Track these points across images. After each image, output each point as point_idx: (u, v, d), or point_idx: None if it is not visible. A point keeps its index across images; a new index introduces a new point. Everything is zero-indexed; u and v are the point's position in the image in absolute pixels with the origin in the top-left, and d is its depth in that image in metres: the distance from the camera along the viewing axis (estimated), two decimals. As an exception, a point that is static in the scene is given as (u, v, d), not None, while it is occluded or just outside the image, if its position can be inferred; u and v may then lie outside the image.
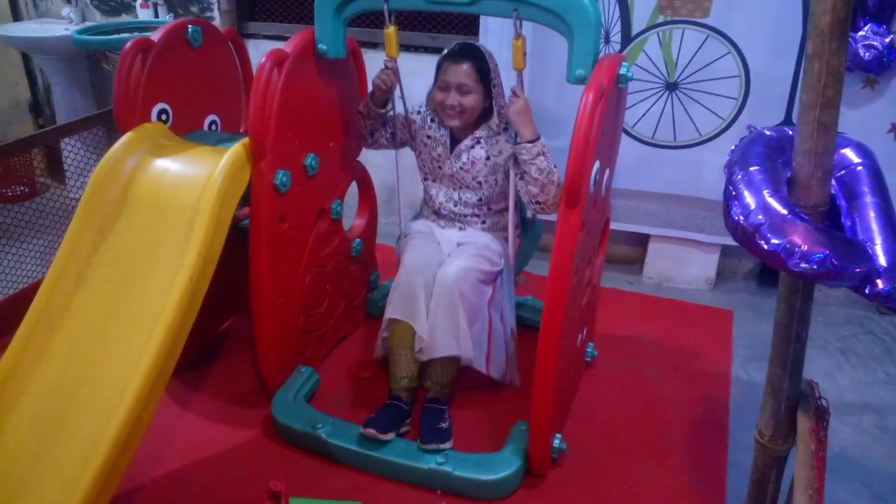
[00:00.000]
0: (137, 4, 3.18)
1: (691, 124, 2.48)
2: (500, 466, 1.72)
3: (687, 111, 2.46)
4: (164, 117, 1.94)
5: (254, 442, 1.91)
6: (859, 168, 0.92)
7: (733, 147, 1.02)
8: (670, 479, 1.80)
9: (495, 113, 1.88)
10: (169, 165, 1.79)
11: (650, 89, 2.47)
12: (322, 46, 1.82)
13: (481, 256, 1.90)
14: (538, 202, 1.79)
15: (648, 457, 1.88)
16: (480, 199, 1.98)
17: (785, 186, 0.90)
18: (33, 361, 1.61)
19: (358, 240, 2.27)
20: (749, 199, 0.87)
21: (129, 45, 1.83)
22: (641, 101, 2.49)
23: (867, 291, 0.84)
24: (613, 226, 2.65)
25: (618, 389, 2.14)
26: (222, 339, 2.35)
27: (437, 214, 2.06)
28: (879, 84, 2.23)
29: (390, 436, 1.79)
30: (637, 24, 2.39)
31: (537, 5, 1.60)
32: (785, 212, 0.85)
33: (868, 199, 0.88)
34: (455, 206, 2.01)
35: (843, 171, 0.92)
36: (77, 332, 1.64)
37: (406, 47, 2.70)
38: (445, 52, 1.87)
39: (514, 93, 1.72)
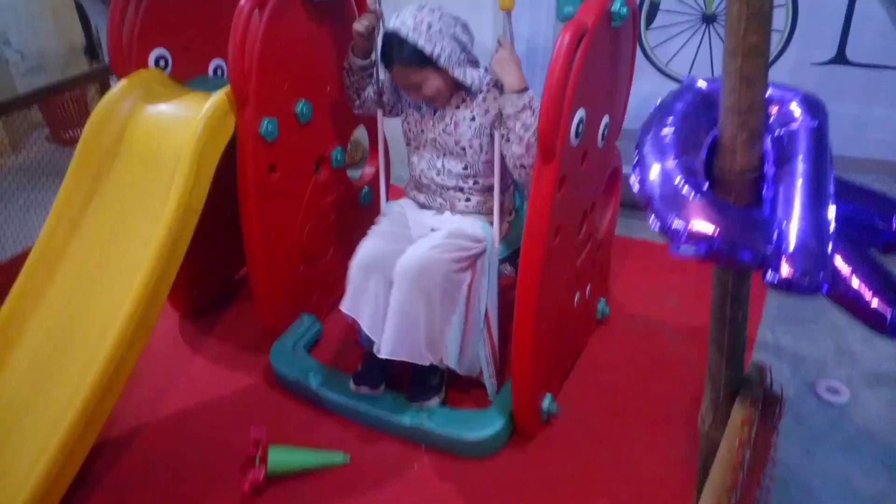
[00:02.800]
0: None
1: (733, 62, 2.24)
2: (484, 425, 1.69)
3: (727, 47, 2.22)
4: (162, 63, 1.93)
5: (253, 388, 1.96)
6: (798, 127, 0.77)
7: (656, 103, 0.89)
8: (664, 447, 1.71)
9: (464, 77, 1.65)
10: (160, 113, 1.78)
11: (685, 22, 2.24)
12: (308, -14, 1.74)
13: (451, 244, 1.66)
14: (522, 165, 1.59)
15: (646, 422, 1.79)
16: (466, 168, 1.75)
17: (704, 151, 0.77)
18: (32, 306, 1.69)
19: (367, 188, 2.23)
20: (648, 165, 0.75)
21: (120, -10, 1.81)
22: (675, 35, 2.27)
23: (767, 279, 0.71)
24: (646, 173, 2.50)
25: (627, 349, 2.03)
26: (238, 285, 2.39)
27: (419, 187, 1.85)
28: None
29: (381, 389, 1.78)
30: (672, -50, 2.16)
31: (520, -65, 1.45)
32: (679, 182, 0.72)
33: (799, 165, 0.74)
34: (438, 174, 1.78)
35: (781, 130, 0.77)
36: (71, 279, 1.70)
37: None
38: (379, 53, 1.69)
39: (498, 42, 1.58)
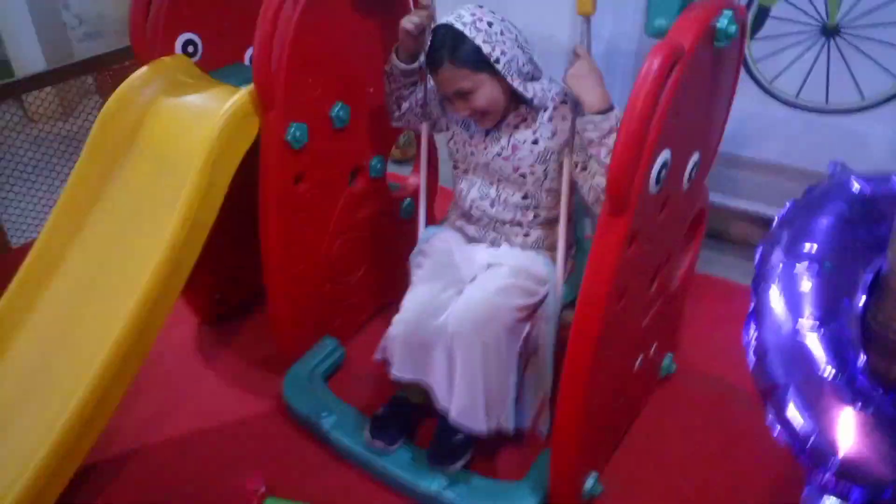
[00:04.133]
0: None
1: (853, 83, 1.88)
2: (513, 501, 1.44)
3: (848, 65, 1.86)
4: (190, 49, 1.72)
5: (264, 416, 1.77)
6: None
7: (784, 207, 0.60)
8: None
9: (524, 88, 1.39)
10: (180, 108, 1.58)
11: (801, 34, 1.88)
12: (352, -27, 1.49)
13: (516, 286, 1.43)
14: None
15: (709, 514, 1.50)
16: (525, 198, 1.49)
17: (859, 306, 0.49)
18: (25, 310, 1.54)
19: (409, 199, 1.98)
20: (775, 319, 0.47)
21: (148, -36, 1.61)
22: (785, 48, 1.91)
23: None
24: (735, 203, 2.18)
25: (692, 418, 1.73)
26: (263, 292, 2.19)
27: (468, 218, 1.59)
28: None
29: (398, 444, 1.56)
30: (793, -56, 1.80)
31: (609, -75, 1.15)
32: (826, 370, 0.44)
33: None
34: (492, 206, 1.52)
35: None
36: (68, 287, 1.54)
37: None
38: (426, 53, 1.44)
39: (575, 53, 1.29)
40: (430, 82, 1.55)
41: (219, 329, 2.06)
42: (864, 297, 0.50)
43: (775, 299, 0.50)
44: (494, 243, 1.56)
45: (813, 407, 0.45)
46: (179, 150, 1.50)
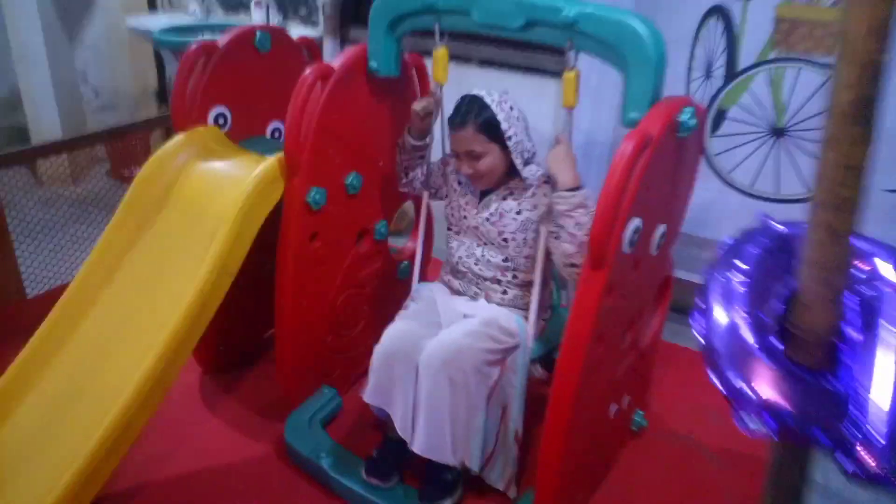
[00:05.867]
0: (252, 4, 3.28)
1: (799, 177, 2.16)
2: (500, 537, 1.57)
3: (794, 163, 2.14)
4: (221, 121, 1.95)
5: (264, 459, 1.88)
6: (888, 290, 0.68)
7: (724, 241, 0.81)
8: (696, 590, 1.56)
9: (522, 167, 1.63)
10: (211, 171, 1.78)
11: (753, 133, 2.18)
12: (373, 63, 1.74)
13: (484, 333, 1.58)
14: (573, 264, 1.51)
15: (677, 557, 1.64)
16: (506, 260, 1.68)
17: (780, 303, 0.69)
18: (55, 348, 1.67)
19: (406, 262, 2.18)
20: (715, 315, 0.67)
21: (191, 47, 1.85)
22: (741, 145, 2.20)
23: (847, 468, 0.61)
24: (698, 278, 2.39)
25: (662, 469, 1.89)
26: (264, 345, 2.34)
27: (455, 273, 1.79)
28: None
29: (394, 481, 1.69)
30: (745, 59, 2.12)
31: (592, 36, 1.42)
32: (750, 339, 0.65)
33: (888, 333, 0.65)
34: (476, 263, 1.71)
35: (869, 291, 0.69)
36: (98, 328, 1.68)
37: (493, 63, 2.58)
38: (452, 112, 1.66)
39: (556, 139, 1.55)
40: (433, 158, 1.78)
41: (220, 379, 2.18)
42: (779, 304, 0.69)
43: (716, 299, 0.69)
44: (475, 297, 1.75)
45: (742, 368, 0.64)
46: (212, 206, 1.69)
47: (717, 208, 2.26)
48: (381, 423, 1.71)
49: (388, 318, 2.04)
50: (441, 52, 1.68)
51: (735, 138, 2.20)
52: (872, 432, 0.60)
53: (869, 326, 0.67)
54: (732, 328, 0.66)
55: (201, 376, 2.19)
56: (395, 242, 2.16)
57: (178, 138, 1.82)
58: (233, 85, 1.94)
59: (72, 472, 1.42)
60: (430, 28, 1.66)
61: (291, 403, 1.94)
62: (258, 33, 1.97)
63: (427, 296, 1.78)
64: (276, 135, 2.14)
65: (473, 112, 1.60)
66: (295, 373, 1.91)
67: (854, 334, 0.66)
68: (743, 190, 2.26)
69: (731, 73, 2.15)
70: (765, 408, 0.61)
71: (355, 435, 1.94)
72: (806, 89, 2.06)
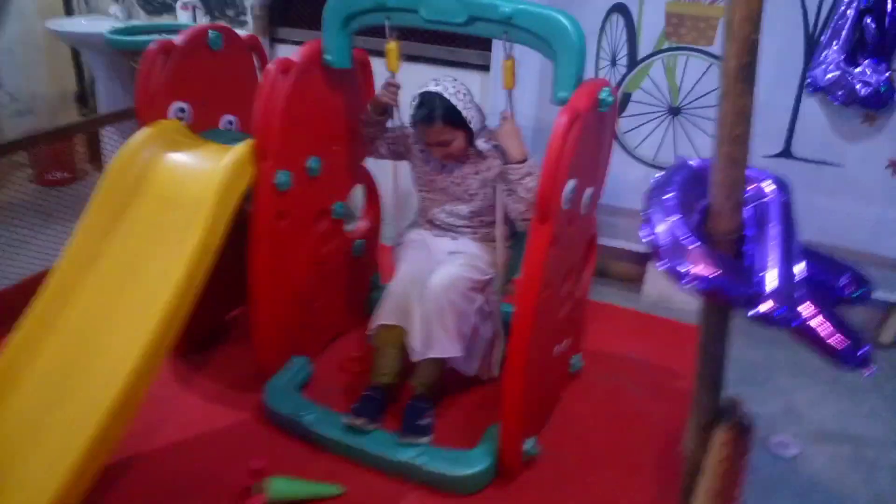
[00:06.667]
0: (178, 6, 3.36)
1: (692, 149, 2.53)
2: (471, 464, 1.81)
3: (688, 136, 2.51)
4: (181, 114, 2.08)
5: (245, 423, 2.04)
6: (771, 200, 0.98)
7: (658, 174, 1.10)
8: (636, 490, 1.86)
9: (479, 137, 1.97)
10: (180, 160, 1.92)
11: (653, 113, 2.53)
12: (328, 57, 1.94)
13: (471, 266, 1.99)
14: (525, 219, 1.85)
15: (619, 467, 1.94)
16: (472, 211, 2.07)
17: (698, 214, 0.98)
18: (44, 333, 1.75)
19: (360, 240, 2.38)
20: (656, 222, 0.95)
21: (152, 46, 1.98)
22: (644, 123, 2.55)
23: (750, 313, 0.90)
24: (614, 243, 2.72)
25: (599, 402, 2.20)
26: (230, 325, 2.48)
27: (431, 224, 2.15)
28: (879, 120, 2.25)
29: (379, 423, 1.91)
30: (643, 49, 2.46)
31: (525, 29, 1.69)
32: (683, 235, 0.93)
33: (773, 229, 0.95)
34: (448, 216, 2.10)
35: (757, 202, 0.99)
36: (85, 310, 1.78)
37: (423, 59, 2.82)
38: (413, 110, 1.94)
39: (502, 116, 1.82)
40: (396, 122, 2.09)
41: (189, 360, 2.30)
42: (699, 213, 0.98)
43: (656, 212, 0.96)
44: (454, 238, 2.13)
45: (676, 252, 0.91)
46: (187, 191, 1.83)
47: (626, 179, 2.60)
48: (361, 375, 1.98)
49: (346, 291, 2.28)
50: (392, 45, 1.91)
51: (639, 118, 2.55)
52: (766, 290, 0.89)
53: (761, 226, 0.96)
54: (671, 229, 0.93)
55: (171, 359, 2.30)
56: (347, 227, 2.36)
57: (146, 130, 1.95)
58: (190, 81, 2.08)
59: (85, 436, 1.53)
60: (381, 24, 1.88)
61: (266, 374, 2.10)
62: (211, 33, 2.12)
63: (417, 238, 2.14)
64: (230, 126, 2.28)
65: (439, 109, 1.88)
66: (271, 345, 2.08)
67: (750, 233, 0.95)
68: (647, 162, 2.61)
69: (633, 62, 2.49)
70: (698, 278, 0.89)
71: (329, 396, 2.12)
72: (695, 73, 2.43)
